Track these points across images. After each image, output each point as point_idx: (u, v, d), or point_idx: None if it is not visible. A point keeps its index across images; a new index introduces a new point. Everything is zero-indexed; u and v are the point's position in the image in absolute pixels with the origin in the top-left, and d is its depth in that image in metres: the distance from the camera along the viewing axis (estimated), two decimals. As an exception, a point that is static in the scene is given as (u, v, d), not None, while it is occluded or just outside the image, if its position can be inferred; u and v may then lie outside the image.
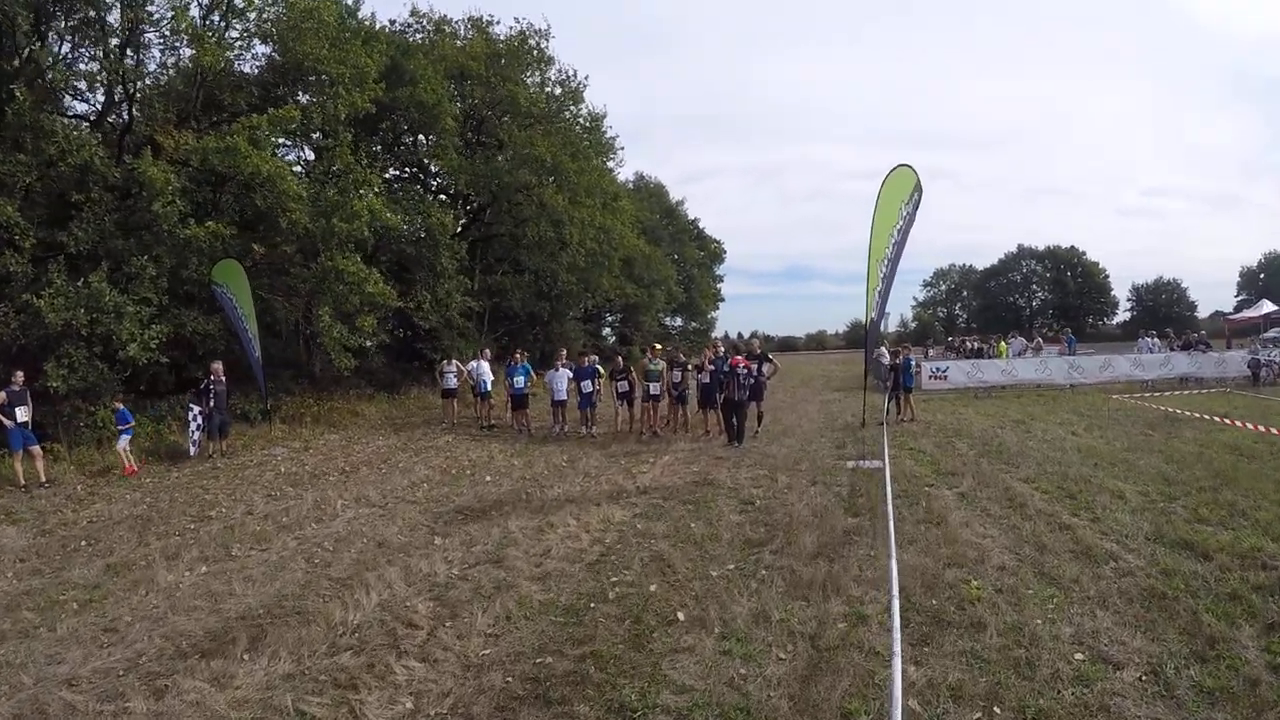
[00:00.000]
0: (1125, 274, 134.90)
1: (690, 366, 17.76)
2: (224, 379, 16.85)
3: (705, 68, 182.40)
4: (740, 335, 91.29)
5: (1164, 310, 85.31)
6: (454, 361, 21.01)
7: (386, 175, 28.00)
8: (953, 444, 14.80)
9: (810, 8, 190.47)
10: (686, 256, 55.75)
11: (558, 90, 29.28)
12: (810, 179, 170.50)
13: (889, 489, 9.97)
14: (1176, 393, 23.16)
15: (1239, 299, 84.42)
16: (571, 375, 18.52)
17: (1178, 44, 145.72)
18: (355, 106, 20.58)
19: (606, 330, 51.41)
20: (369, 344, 23.70)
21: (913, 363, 19.21)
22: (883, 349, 30.23)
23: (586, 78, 29.35)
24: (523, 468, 14.53)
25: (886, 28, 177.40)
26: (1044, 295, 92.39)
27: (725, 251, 63.18)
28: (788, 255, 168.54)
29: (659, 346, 18.91)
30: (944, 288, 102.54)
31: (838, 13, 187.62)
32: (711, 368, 16.71)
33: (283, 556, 9.04)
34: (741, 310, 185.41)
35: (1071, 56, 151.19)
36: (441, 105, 22.77)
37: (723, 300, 65.03)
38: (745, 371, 15.65)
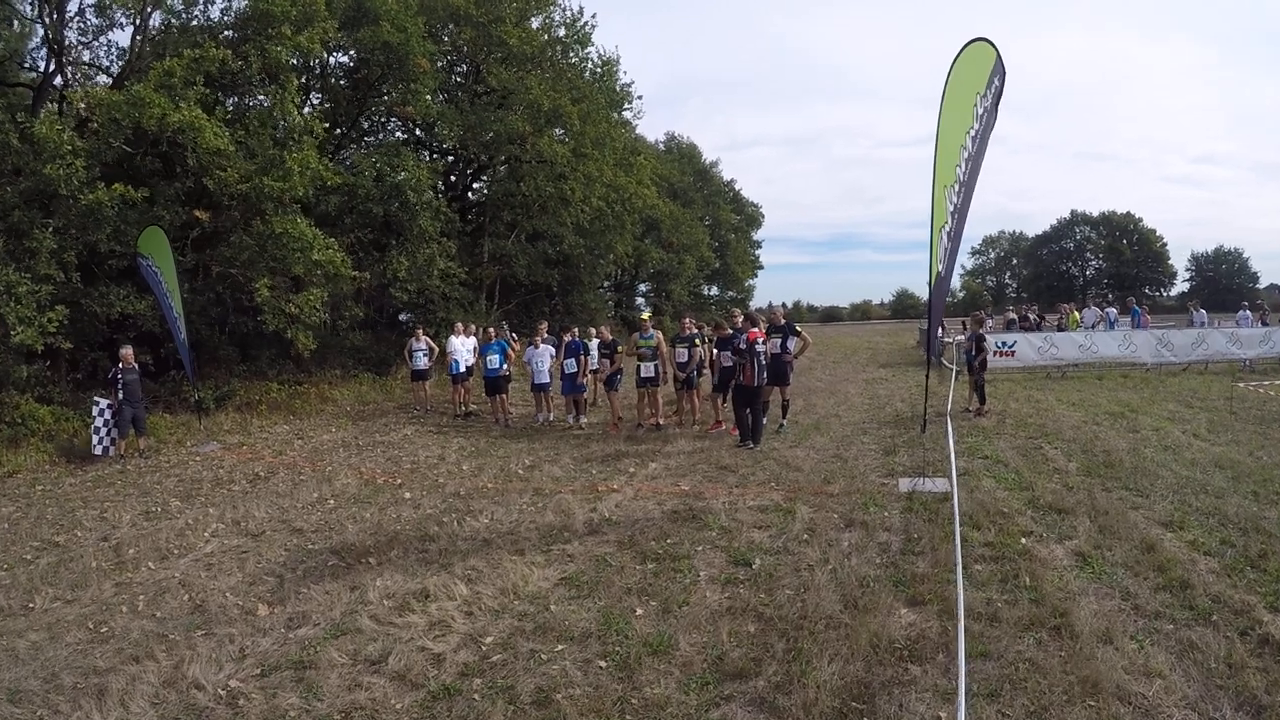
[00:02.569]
0: (1177, 243, 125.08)
1: (698, 342, 13.55)
2: (136, 366, 13.74)
3: (744, 30, 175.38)
4: (785, 305, 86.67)
5: (1224, 281, 78.53)
6: (424, 337, 17.12)
7: (395, 137, 24.26)
8: (1042, 450, 10.47)
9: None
10: (721, 220, 50.51)
11: (561, 32, 24.92)
12: (855, 146, 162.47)
13: (959, 545, 5.85)
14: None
15: (1302, 269, 77.44)
16: (554, 353, 14.58)
17: (1228, 7, 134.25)
18: (300, 48, 16.75)
19: (640, 300, 47.16)
20: (341, 319, 20.15)
21: (985, 338, 14.58)
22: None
23: (594, 17, 24.84)
24: (468, 475, 10.92)
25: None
26: (1099, 264, 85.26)
27: (764, 215, 57.74)
28: (833, 224, 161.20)
29: (647, 316, 14.73)
30: (993, 255, 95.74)
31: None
32: (691, 344, 13.18)
33: (81, 614, 6.39)
34: (786, 280, 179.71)
35: (1121, 18, 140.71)
36: (410, 45, 18.64)
37: (761, 268, 59.90)
38: (764, 348, 11.53)
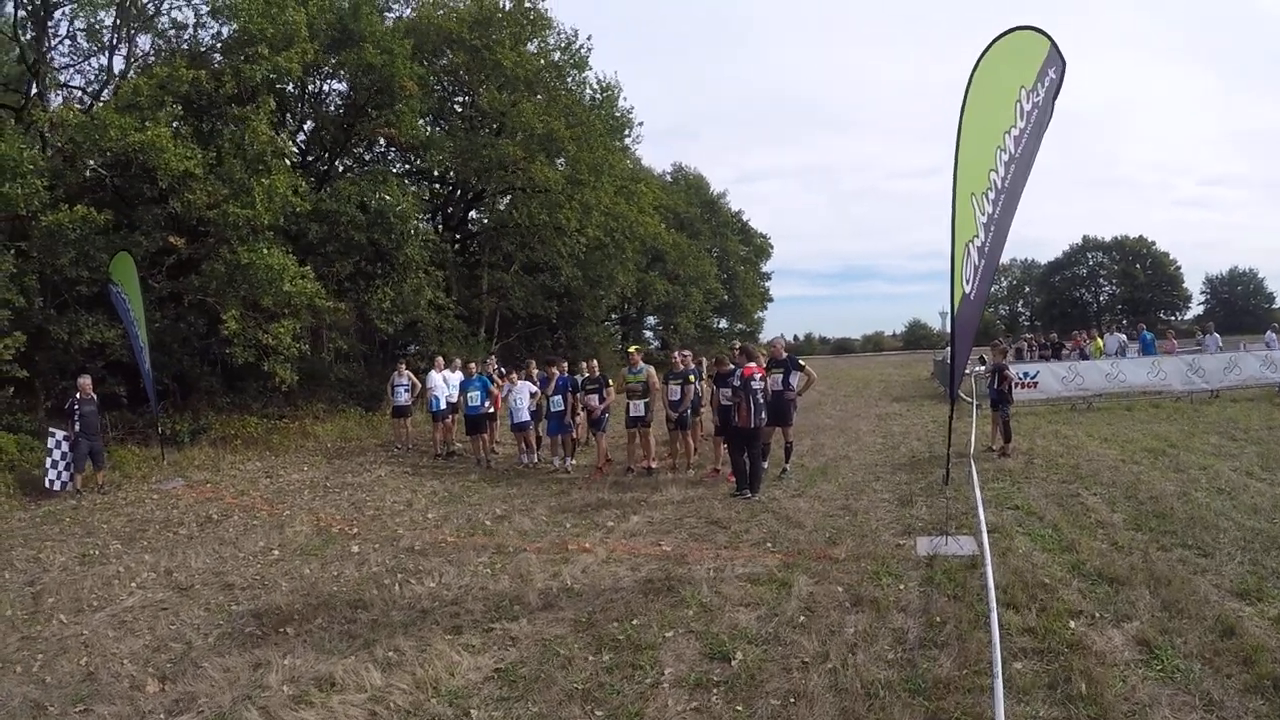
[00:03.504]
0: (1190, 266, 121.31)
1: (692, 378, 12.18)
2: (94, 397, 12.88)
3: (755, 66, 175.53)
4: (796, 338, 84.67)
5: (1240, 303, 76.43)
6: (406, 372, 15.89)
7: (393, 168, 23.28)
8: (1079, 497, 8.99)
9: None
10: (729, 251, 49.10)
11: (556, 56, 23.89)
12: (865, 178, 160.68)
13: (996, 642, 4.47)
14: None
15: (1321, 288, 75.35)
16: (535, 390, 13.27)
17: (1235, 29, 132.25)
18: (278, 69, 15.83)
19: (648, 333, 45.73)
20: (326, 351, 18.99)
21: (1008, 369, 12.91)
22: (950, 350, 24.21)
23: (590, 39, 23.73)
24: (430, 526, 9.68)
25: (937, 17, 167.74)
26: (1112, 289, 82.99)
27: (773, 247, 56.40)
28: (844, 255, 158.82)
29: (636, 349, 13.28)
30: (1005, 284, 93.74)
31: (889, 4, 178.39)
32: (684, 380, 11.90)
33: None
34: (798, 312, 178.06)
35: (1126, 44, 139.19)
36: (395, 66, 17.62)
37: (770, 300, 58.20)
38: (761, 385, 10.16)
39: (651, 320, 45.85)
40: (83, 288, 15.18)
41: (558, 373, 12.99)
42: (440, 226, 25.22)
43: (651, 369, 12.79)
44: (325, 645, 5.83)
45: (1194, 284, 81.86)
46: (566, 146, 21.46)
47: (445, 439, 15.25)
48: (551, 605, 6.43)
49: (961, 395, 19.33)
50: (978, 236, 6.37)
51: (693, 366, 12.94)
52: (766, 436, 11.38)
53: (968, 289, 6.45)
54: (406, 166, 23.37)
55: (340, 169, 21.18)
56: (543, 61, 23.26)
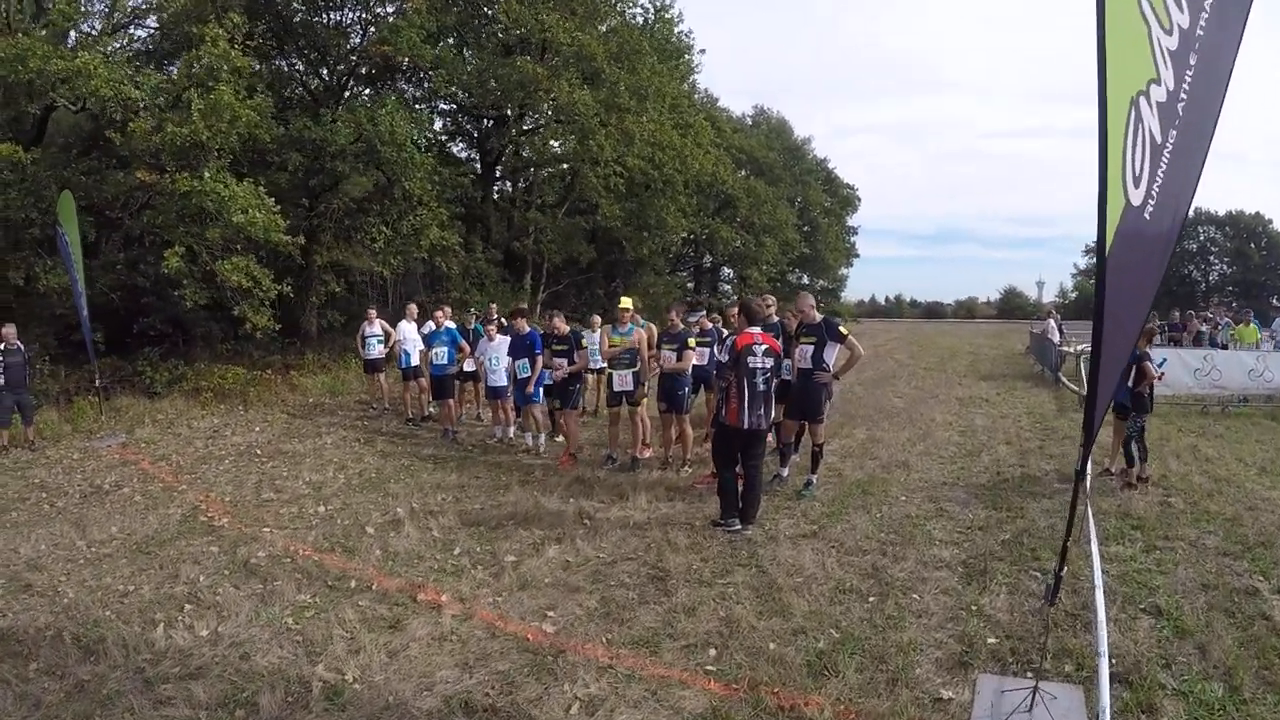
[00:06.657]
0: None
1: (691, 343, 8.68)
2: (20, 346, 11.11)
3: (856, 20, 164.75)
4: (878, 299, 78.44)
5: (1363, 292, 66.68)
6: (378, 321, 12.99)
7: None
8: (1259, 599, 5.06)
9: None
10: (811, 201, 43.46)
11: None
12: (961, 136, 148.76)
13: None
14: None
15: None
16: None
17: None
18: None
19: (726, 286, 41.61)
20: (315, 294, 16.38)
21: (1149, 359, 8.37)
22: (1050, 322, 19.78)
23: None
24: (306, 526, 6.99)
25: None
26: (1223, 268, 73.81)
27: (860, 199, 50.71)
28: (937, 217, 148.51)
29: (628, 304, 9.64)
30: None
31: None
32: (682, 346, 8.47)
33: None
34: (889, 273, 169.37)
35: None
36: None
37: (856, 256, 52.76)
38: (768, 364, 6.60)
39: (728, 271, 41.83)
40: (35, 230, 13.52)
41: (526, 327, 9.77)
42: (479, 163, 22.22)
43: (649, 329, 9.52)
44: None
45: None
46: (603, 66, 17.80)
47: (418, 401, 12.38)
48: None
49: (1065, 382, 15.11)
50: (1159, 81, 2.56)
51: (709, 326, 9.62)
52: (788, 433, 7.98)
53: (1135, 194, 2.52)
54: (419, 94, 19.96)
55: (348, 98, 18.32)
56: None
